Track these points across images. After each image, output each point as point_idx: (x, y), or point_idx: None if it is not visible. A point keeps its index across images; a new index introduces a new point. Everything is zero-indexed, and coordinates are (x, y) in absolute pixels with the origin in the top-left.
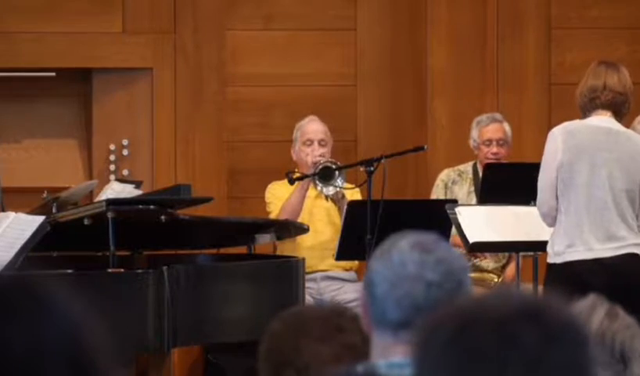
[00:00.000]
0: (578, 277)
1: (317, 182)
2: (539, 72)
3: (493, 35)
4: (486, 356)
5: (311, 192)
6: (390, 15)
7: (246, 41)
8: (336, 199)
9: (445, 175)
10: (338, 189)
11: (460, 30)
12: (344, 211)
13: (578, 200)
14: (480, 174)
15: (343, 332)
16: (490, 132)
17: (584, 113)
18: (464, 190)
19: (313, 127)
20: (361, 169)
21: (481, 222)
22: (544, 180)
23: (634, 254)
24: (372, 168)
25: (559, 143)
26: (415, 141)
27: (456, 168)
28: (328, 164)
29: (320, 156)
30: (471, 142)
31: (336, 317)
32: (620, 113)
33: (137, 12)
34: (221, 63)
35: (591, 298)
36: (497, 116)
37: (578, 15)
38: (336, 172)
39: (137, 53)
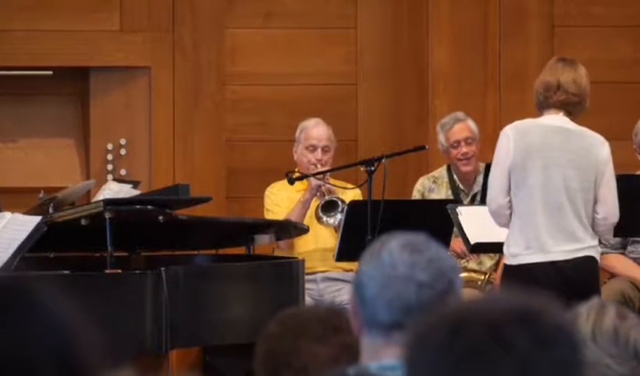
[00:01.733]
0: (534, 280)
1: (320, 214)
2: (541, 70)
3: (495, 33)
4: (479, 359)
5: (315, 201)
6: (390, 13)
7: (245, 40)
8: (336, 228)
9: (420, 184)
10: (338, 221)
11: (461, 27)
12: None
13: (532, 200)
14: (455, 177)
15: (340, 333)
16: (456, 134)
17: (539, 109)
18: (441, 196)
19: (317, 132)
20: (362, 169)
21: (482, 223)
22: (495, 178)
23: (591, 257)
24: (372, 168)
25: (511, 143)
26: (416, 140)
27: (430, 175)
28: (334, 200)
29: (328, 191)
30: (439, 147)
31: (333, 318)
32: (574, 113)
33: (135, 10)
34: (220, 61)
35: (597, 300)
36: (460, 115)
37: (581, 12)
38: (340, 207)
39: (135, 52)
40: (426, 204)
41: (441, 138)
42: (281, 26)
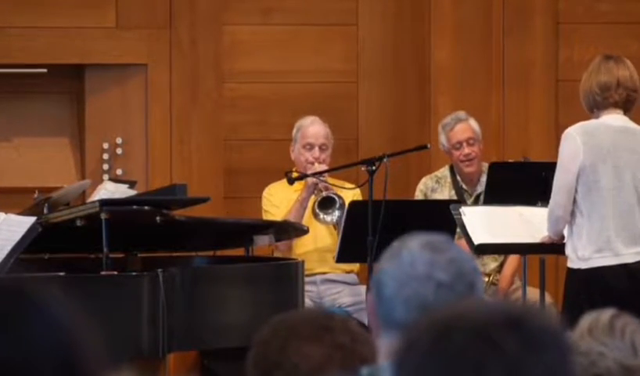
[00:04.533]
0: (605, 283)
1: (317, 210)
2: (546, 68)
3: (498, 30)
4: (467, 363)
5: (312, 198)
6: (392, 9)
7: (244, 37)
8: (334, 225)
9: (423, 184)
10: (336, 219)
11: (464, 24)
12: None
13: (604, 203)
14: (458, 178)
15: (331, 332)
16: (457, 134)
17: (593, 110)
18: (444, 196)
19: (314, 131)
20: (363, 169)
21: (486, 224)
22: (563, 182)
23: None
24: (373, 168)
25: (579, 144)
26: (418, 139)
27: (433, 174)
28: (331, 196)
29: (325, 188)
30: (441, 148)
31: (323, 318)
32: (630, 109)
33: (131, 7)
34: (218, 59)
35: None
36: (461, 115)
37: (586, 9)
38: (337, 203)
39: (131, 49)
40: (428, 205)
41: (442, 139)
42: (280, 22)
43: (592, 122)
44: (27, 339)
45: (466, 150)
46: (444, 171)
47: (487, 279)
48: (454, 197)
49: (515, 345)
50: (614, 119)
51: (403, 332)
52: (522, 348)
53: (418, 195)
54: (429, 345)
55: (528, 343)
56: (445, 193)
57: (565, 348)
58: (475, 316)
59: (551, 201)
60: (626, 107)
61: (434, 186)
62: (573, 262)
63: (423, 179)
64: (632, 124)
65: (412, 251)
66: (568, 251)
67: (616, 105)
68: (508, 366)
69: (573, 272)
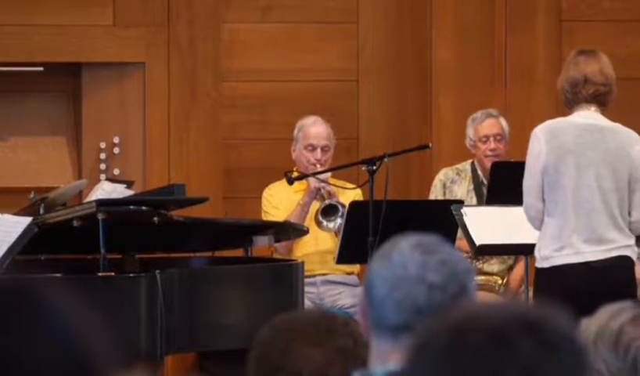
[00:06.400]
0: (567, 282)
1: (320, 218)
2: (549, 65)
3: (501, 27)
4: (481, 365)
5: (315, 204)
6: (393, 6)
7: (243, 35)
8: (336, 232)
9: (443, 174)
10: (338, 226)
11: (466, 21)
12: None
13: (565, 202)
14: (479, 172)
15: (334, 335)
16: (486, 128)
17: (568, 107)
18: (463, 189)
19: (316, 131)
20: (363, 168)
21: (488, 224)
22: (530, 183)
23: (626, 257)
24: (374, 168)
25: (542, 144)
26: (420, 139)
27: (454, 167)
28: (334, 204)
29: (328, 193)
30: (467, 141)
31: (326, 321)
32: (605, 103)
33: (129, 4)
34: (217, 57)
35: (622, 303)
36: (493, 111)
37: (589, 6)
38: (340, 211)
39: (129, 47)
40: (429, 205)
41: (470, 131)
42: (280, 20)
43: (558, 120)
44: (35, 339)
45: (492, 145)
46: (465, 165)
47: (500, 281)
48: (473, 192)
49: (530, 347)
50: (583, 116)
51: (417, 333)
52: (537, 350)
53: (437, 185)
54: (444, 347)
55: (543, 345)
56: (465, 186)
57: (580, 350)
58: (490, 318)
59: (523, 203)
60: (598, 101)
61: (454, 178)
62: (538, 262)
63: (443, 170)
64: (601, 121)
65: (403, 253)
66: (535, 250)
67: (586, 100)
68: (523, 369)
69: (537, 272)
